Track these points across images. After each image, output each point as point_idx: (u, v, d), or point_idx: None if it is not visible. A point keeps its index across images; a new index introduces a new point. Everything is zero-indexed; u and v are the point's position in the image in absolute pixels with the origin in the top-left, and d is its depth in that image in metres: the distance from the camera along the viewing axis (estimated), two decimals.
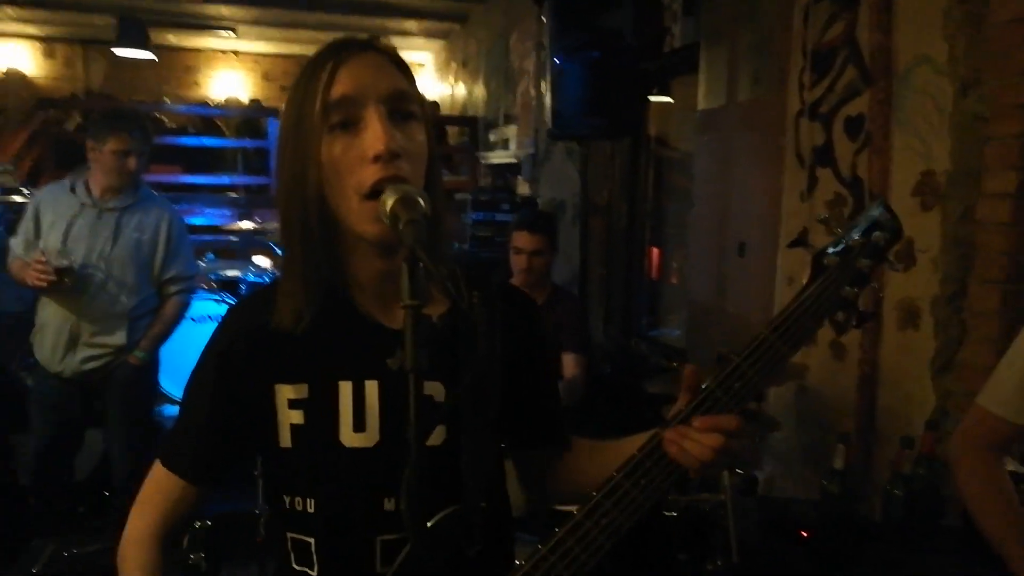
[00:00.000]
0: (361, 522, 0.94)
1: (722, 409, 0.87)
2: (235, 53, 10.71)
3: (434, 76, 10.35)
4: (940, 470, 1.85)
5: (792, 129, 2.76)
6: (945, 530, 1.86)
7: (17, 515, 2.92)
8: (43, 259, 2.64)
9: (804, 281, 0.92)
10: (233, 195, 6.55)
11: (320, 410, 0.95)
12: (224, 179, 6.82)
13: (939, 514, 1.88)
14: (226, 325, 1.02)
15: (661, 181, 4.43)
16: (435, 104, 9.56)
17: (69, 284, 2.68)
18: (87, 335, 2.79)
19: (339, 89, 0.90)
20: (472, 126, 7.45)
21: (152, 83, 10.21)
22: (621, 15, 3.31)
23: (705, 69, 3.40)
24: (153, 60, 7.61)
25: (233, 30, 9.04)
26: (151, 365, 2.98)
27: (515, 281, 2.83)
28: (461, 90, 8.54)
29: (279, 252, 4.34)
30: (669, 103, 4.31)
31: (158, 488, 1.04)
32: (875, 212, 0.93)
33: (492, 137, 6.86)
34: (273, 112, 7.30)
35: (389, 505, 0.93)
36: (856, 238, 0.92)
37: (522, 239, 2.79)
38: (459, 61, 8.65)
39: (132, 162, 2.74)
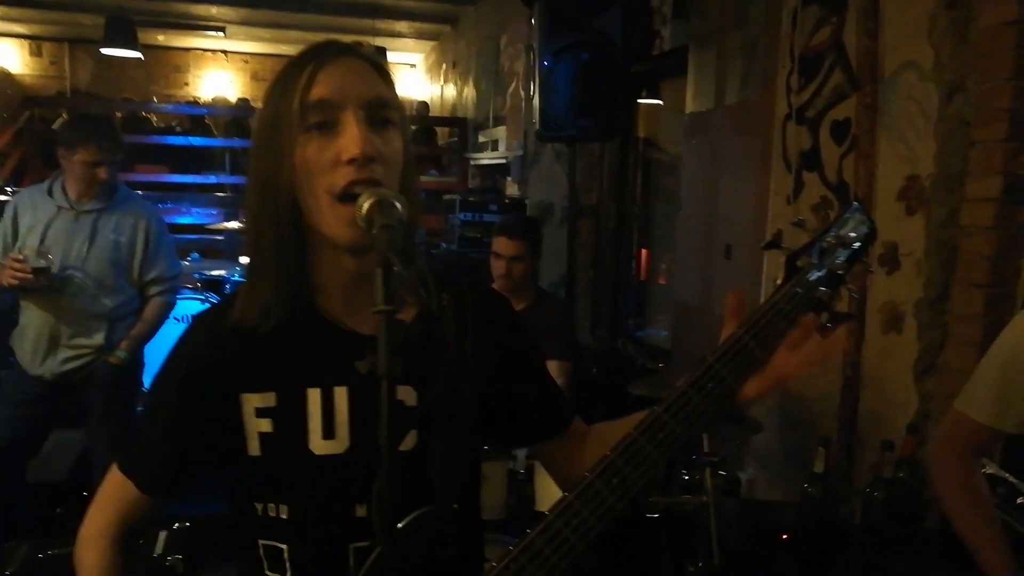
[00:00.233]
0: (333, 529, 0.92)
1: (696, 410, 0.86)
2: (224, 53, 10.68)
3: (424, 77, 10.35)
4: (920, 473, 1.86)
5: (779, 133, 2.77)
6: (925, 533, 1.86)
7: None
8: (20, 257, 2.61)
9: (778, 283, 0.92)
10: (220, 195, 6.51)
11: (289, 418, 0.94)
12: (211, 178, 6.78)
13: (919, 517, 1.88)
14: (190, 334, 1.00)
15: (650, 183, 4.43)
16: (424, 105, 9.56)
17: (45, 283, 2.65)
18: (66, 337, 2.76)
19: (318, 91, 0.89)
20: (461, 127, 7.45)
21: (140, 82, 10.16)
22: (610, 18, 3.31)
23: (693, 72, 3.41)
24: (141, 59, 7.56)
25: (222, 30, 9.01)
26: (133, 365, 2.94)
27: (495, 287, 2.80)
28: (451, 91, 8.54)
29: None
30: (658, 105, 4.32)
31: (115, 491, 1.02)
32: (850, 214, 0.93)
33: (481, 138, 6.86)
34: None
35: (361, 511, 0.92)
36: (830, 239, 0.92)
37: (501, 244, 2.73)
38: (449, 62, 8.65)
39: (102, 172, 2.70)
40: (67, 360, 2.77)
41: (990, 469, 1.59)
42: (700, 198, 3.41)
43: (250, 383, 0.94)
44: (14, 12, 8.55)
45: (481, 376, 0.98)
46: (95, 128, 2.71)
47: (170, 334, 3.06)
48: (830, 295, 0.90)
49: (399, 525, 0.83)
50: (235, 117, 8.33)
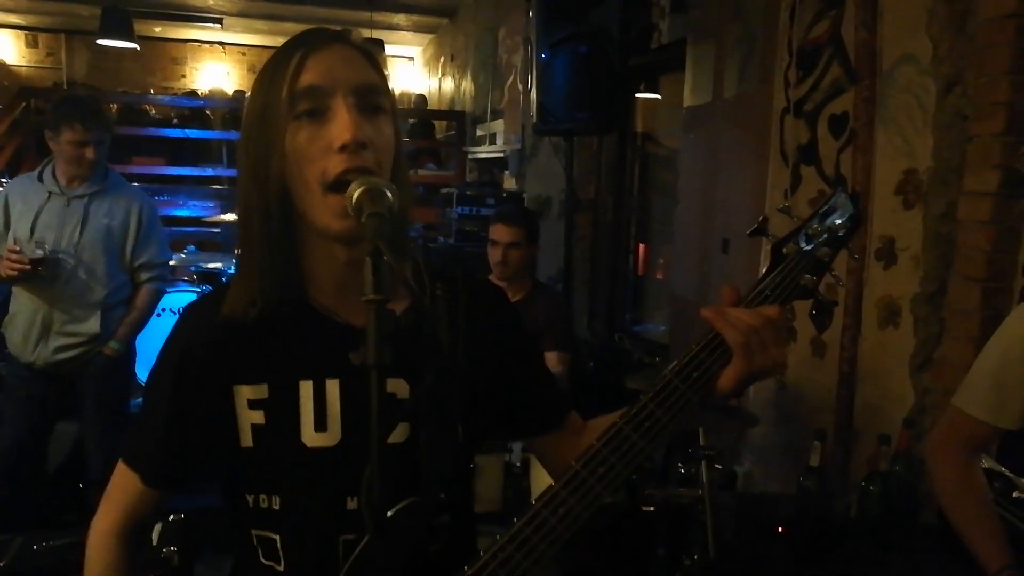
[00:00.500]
0: (324, 521, 0.92)
1: (681, 398, 0.86)
2: (221, 45, 10.64)
3: (422, 70, 10.32)
4: (917, 468, 1.86)
5: (777, 126, 2.76)
6: (921, 527, 1.86)
7: None
8: (16, 249, 2.60)
9: (763, 270, 0.92)
10: (217, 187, 6.49)
11: (281, 410, 0.94)
12: (208, 171, 6.76)
13: (915, 511, 1.88)
14: (183, 325, 1.00)
15: (647, 177, 4.43)
16: (422, 98, 9.54)
17: (43, 273, 2.65)
18: (59, 324, 2.76)
19: (308, 78, 0.88)
20: (459, 120, 7.43)
21: (137, 74, 10.13)
22: (608, 11, 3.30)
23: (691, 66, 3.40)
24: (137, 51, 7.54)
25: (219, 22, 8.97)
26: (127, 356, 2.94)
27: (492, 275, 2.81)
28: (449, 84, 8.52)
29: None
30: (656, 99, 4.31)
31: (122, 486, 1.03)
32: (835, 200, 0.93)
33: (479, 132, 6.84)
34: None
35: (352, 504, 0.92)
36: (815, 226, 0.92)
37: (498, 231, 2.76)
38: (447, 55, 8.63)
39: (90, 151, 2.68)
40: (60, 349, 2.76)
41: (986, 463, 1.59)
42: (698, 192, 3.40)
43: (242, 375, 0.94)
44: (10, 2, 8.51)
45: (474, 368, 0.98)
46: (79, 108, 2.69)
47: (165, 326, 3.07)
48: (815, 282, 0.91)
49: (388, 514, 0.83)
50: (232, 109, 8.30)
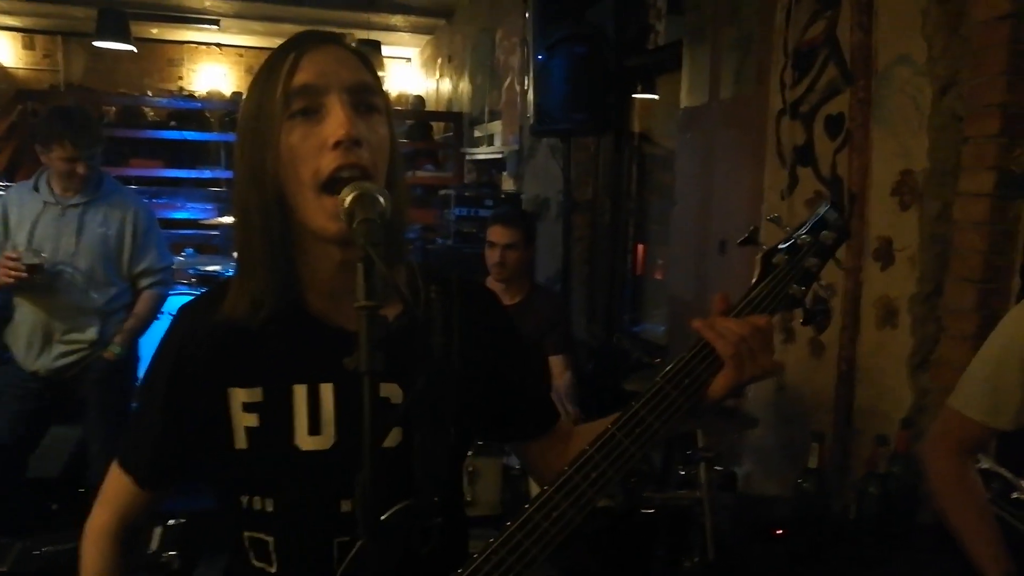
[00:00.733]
0: (318, 524, 0.93)
1: (672, 404, 0.88)
2: (219, 46, 10.62)
3: (420, 71, 10.31)
4: (915, 468, 1.86)
5: (773, 128, 2.77)
6: (919, 528, 1.86)
7: None
8: (13, 255, 2.61)
9: (753, 281, 0.93)
10: (215, 189, 6.49)
11: (275, 414, 0.94)
12: (206, 173, 6.75)
13: (913, 512, 1.89)
14: (177, 326, 1.01)
15: (645, 178, 4.43)
16: (420, 99, 9.53)
17: (39, 282, 2.65)
18: (59, 333, 2.76)
19: (302, 77, 0.88)
20: (457, 122, 7.43)
21: (134, 76, 10.11)
22: (604, 12, 3.31)
23: (688, 66, 3.40)
24: (134, 52, 7.53)
25: (216, 23, 8.96)
26: (128, 360, 2.94)
27: (490, 276, 2.82)
28: (447, 85, 8.51)
29: None
30: (654, 100, 4.31)
31: (116, 487, 1.04)
32: (823, 211, 0.95)
33: (477, 133, 6.84)
34: None
35: (346, 507, 0.93)
36: (804, 237, 0.93)
37: (495, 233, 2.77)
38: (445, 56, 8.62)
39: (81, 167, 2.68)
40: (61, 356, 2.77)
41: (985, 464, 1.60)
42: (694, 193, 3.40)
43: (237, 377, 0.95)
44: (6, 4, 8.49)
45: (468, 370, 0.98)
46: (68, 124, 2.67)
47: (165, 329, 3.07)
48: (803, 292, 0.93)
49: (382, 517, 0.84)
50: (230, 111, 8.29)
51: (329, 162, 0.86)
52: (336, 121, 0.86)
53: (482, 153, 6.53)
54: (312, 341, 0.95)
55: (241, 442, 0.95)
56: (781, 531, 1.92)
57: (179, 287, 4.36)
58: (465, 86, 7.47)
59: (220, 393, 0.95)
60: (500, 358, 1.05)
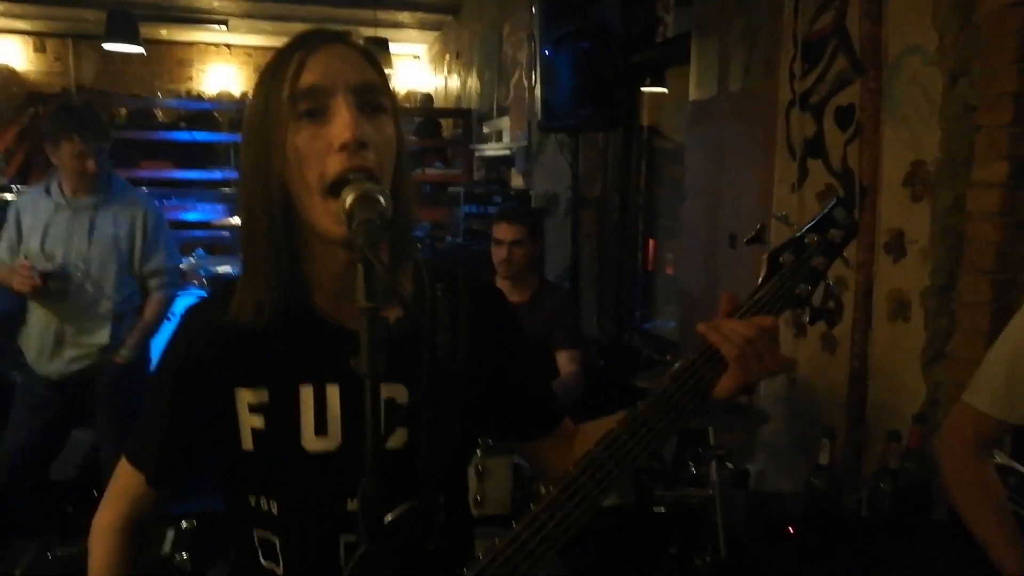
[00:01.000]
0: (324, 523, 0.93)
1: (677, 406, 0.89)
2: (227, 47, 10.66)
3: (428, 68, 10.30)
4: (928, 464, 1.84)
5: (783, 120, 2.74)
6: (932, 524, 1.84)
7: None
8: (27, 264, 2.64)
9: (759, 280, 0.92)
10: (225, 190, 6.52)
11: (281, 415, 0.94)
12: (216, 174, 6.78)
13: (927, 508, 1.87)
14: (185, 326, 1.01)
15: (655, 172, 4.40)
16: (428, 97, 9.53)
17: (53, 288, 2.68)
18: (71, 335, 2.78)
19: (308, 78, 0.87)
20: (466, 118, 7.42)
21: (144, 77, 10.16)
22: (610, 6, 3.29)
23: (696, 59, 3.38)
24: (144, 54, 7.56)
25: (225, 23, 8.99)
26: (139, 363, 2.95)
27: (497, 273, 2.81)
28: (455, 82, 8.50)
29: None
30: (663, 94, 4.29)
31: (124, 483, 1.04)
32: (831, 208, 0.94)
33: (486, 129, 6.83)
34: None
35: (352, 506, 0.92)
36: (812, 235, 0.92)
37: (501, 230, 2.75)
38: (452, 53, 8.61)
39: (90, 164, 2.69)
40: (73, 359, 2.79)
41: (1000, 459, 1.58)
42: (704, 187, 3.38)
43: (243, 378, 0.95)
44: (17, 8, 8.55)
45: (473, 367, 0.98)
46: (76, 119, 2.69)
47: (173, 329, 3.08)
48: (810, 291, 0.92)
49: (387, 518, 0.84)
50: (239, 111, 8.31)
51: (335, 165, 0.86)
52: (342, 123, 0.86)
53: (491, 150, 6.52)
54: (318, 342, 0.95)
55: (247, 443, 0.95)
56: (793, 528, 1.90)
57: (190, 288, 4.38)
58: (473, 82, 7.46)
59: (227, 394, 0.95)
60: (505, 357, 1.05)
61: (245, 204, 0.93)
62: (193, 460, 1.02)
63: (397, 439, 0.93)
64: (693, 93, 3.41)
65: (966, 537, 1.39)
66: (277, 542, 0.95)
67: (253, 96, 0.93)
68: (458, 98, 8.28)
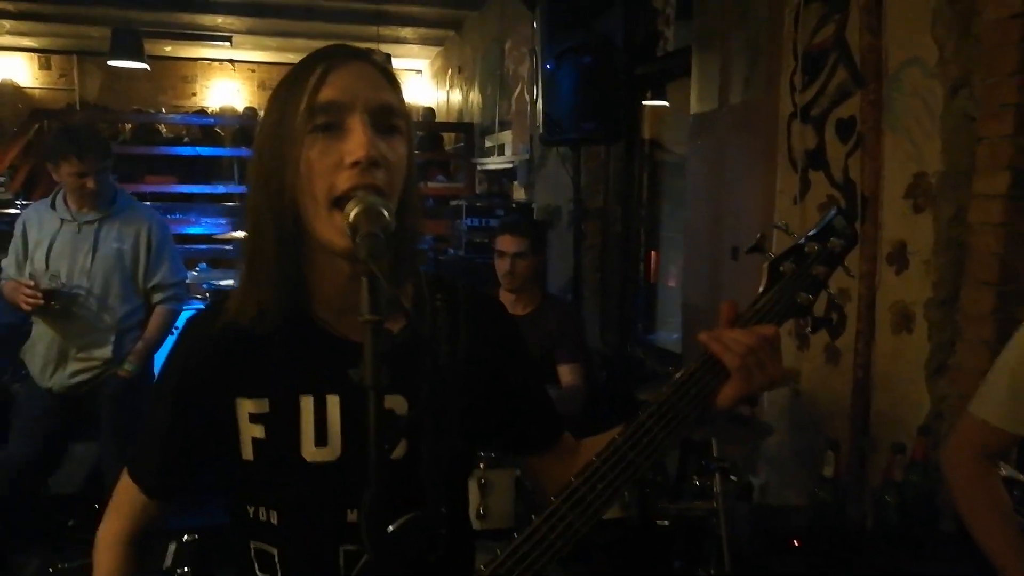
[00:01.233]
0: (324, 533, 0.93)
1: (676, 415, 0.89)
2: (231, 63, 10.73)
3: (430, 83, 10.36)
4: (933, 476, 1.83)
5: (784, 132, 2.75)
6: (939, 536, 1.83)
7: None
8: (31, 283, 2.65)
9: (760, 289, 0.92)
10: (228, 204, 6.54)
11: (281, 425, 0.94)
12: (219, 188, 6.81)
13: (933, 521, 1.85)
14: (184, 338, 1.01)
15: (657, 184, 4.41)
16: (431, 111, 9.57)
17: (57, 307, 2.69)
18: (75, 350, 2.79)
19: (327, 93, 0.88)
20: (468, 132, 7.44)
21: (148, 93, 10.23)
22: (612, 20, 3.30)
23: (697, 72, 3.39)
24: (148, 71, 7.62)
25: (229, 40, 9.05)
26: (143, 377, 2.95)
27: (501, 286, 2.81)
28: (457, 96, 8.54)
29: None
30: (664, 107, 4.30)
31: (126, 495, 1.05)
32: (831, 218, 0.94)
33: (488, 143, 6.85)
34: None
35: (352, 517, 0.92)
36: (812, 244, 0.93)
37: (504, 242, 2.76)
38: (455, 67, 8.66)
39: (90, 182, 2.70)
40: (76, 373, 2.79)
41: (1005, 471, 1.57)
42: (706, 199, 3.38)
43: (244, 388, 0.95)
44: (23, 26, 8.62)
45: (473, 379, 0.98)
46: (76, 140, 2.70)
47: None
48: (811, 300, 0.92)
49: (388, 529, 0.84)
50: (243, 126, 8.36)
51: (345, 180, 0.86)
52: (356, 141, 0.86)
53: (493, 163, 6.54)
54: (319, 352, 0.95)
55: (248, 453, 0.95)
56: (798, 541, 1.89)
57: (193, 302, 4.38)
58: (475, 96, 7.50)
59: (227, 404, 0.95)
60: (506, 369, 1.05)
61: (252, 210, 0.93)
62: (194, 471, 1.02)
63: (397, 450, 0.93)
64: (694, 106, 3.43)
65: (973, 549, 1.38)
66: (276, 553, 0.95)
67: (270, 106, 0.93)
68: (460, 112, 8.32)
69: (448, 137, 8.64)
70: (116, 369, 2.83)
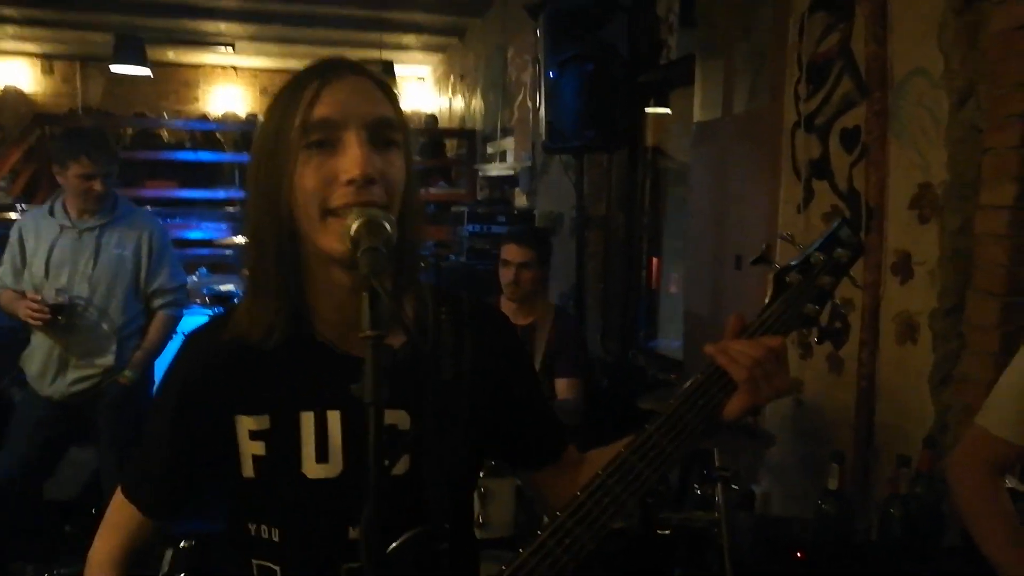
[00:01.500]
0: (326, 551, 0.92)
1: (686, 427, 0.88)
2: (234, 68, 10.75)
3: (433, 89, 10.38)
4: (939, 488, 1.81)
5: (788, 141, 2.74)
6: (944, 550, 1.81)
7: None
8: (37, 297, 2.63)
9: (767, 300, 0.92)
10: (229, 209, 6.54)
11: (282, 441, 0.93)
12: (220, 193, 6.81)
13: (938, 534, 1.84)
14: (185, 353, 1.00)
15: (659, 192, 4.41)
16: (433, 117, 9.58)
17: (63, 321, 2.67)
18: (75, 358, 2.77)
19: (322, 110, 0.87)
20: (470, 139, 7.46)
21: (151, 99, 10.24)
22: (615, 28, 3.30)
23: (701, 81, 3.39)
24: (150, 76, 7.64)
25: (231, 46, 9.07)
26: (142, 384, 2.94)
27: (503, 294, 2.80)
28: (459, 103, 8.56)
29: None
30: (667, 115, 4.30)
31: (119, 514, 1.03)
32: (837, 228, 0.94)
33: (490, 149, 6.86)
34: None
35: (354, 534, 0.91)
36: (818, 255, 0.92)
37: (510, 251, 2.75)
38: (457, 74, 8.68)
39: (98, 184, 2.69)
40: (76, 381, 2.78)
41: (1011, 484, 1.56)
42: (709, 208, 3.38)
43: (244, 405, 0.94)
44: (26, 31, 8.64)
45: (476, 392, 0.97)
46: (85, 141, 2.70)
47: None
48: (818, 311, 0.92)
49: (391, 547, 0.83)
50: (244, 132, 8.37)
51: (339, 197, 0.86)
52: (351, 159, 0.86)
53: (495, 170, 6.54)
54: (319, 368, 0.94)
55: (248, 470, 0.94)
56: (801, 553, 1.87)
57: (193, 307, 4.38)
58: (478, 103, 7.51)
59: (227, 421, 0.94)
60: (509, 382, 1.04)
61: (251, 226, 0.92)
62: (192, 489, 1.01)
63: (400, 466, 0.92)
64: (698, 114, 3.42)
65: (979, 562, 1.37)
66: (278, 570, 0.94)
67: (265, 120, 0.92)
68: (462, 119, 8.33)
69: (450, 143, 8.65)
70: (117, 377, 2.81)
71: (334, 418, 0.93)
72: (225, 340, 0.93)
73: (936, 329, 2.09)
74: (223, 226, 5.91)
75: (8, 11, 7.54)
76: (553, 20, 3.40)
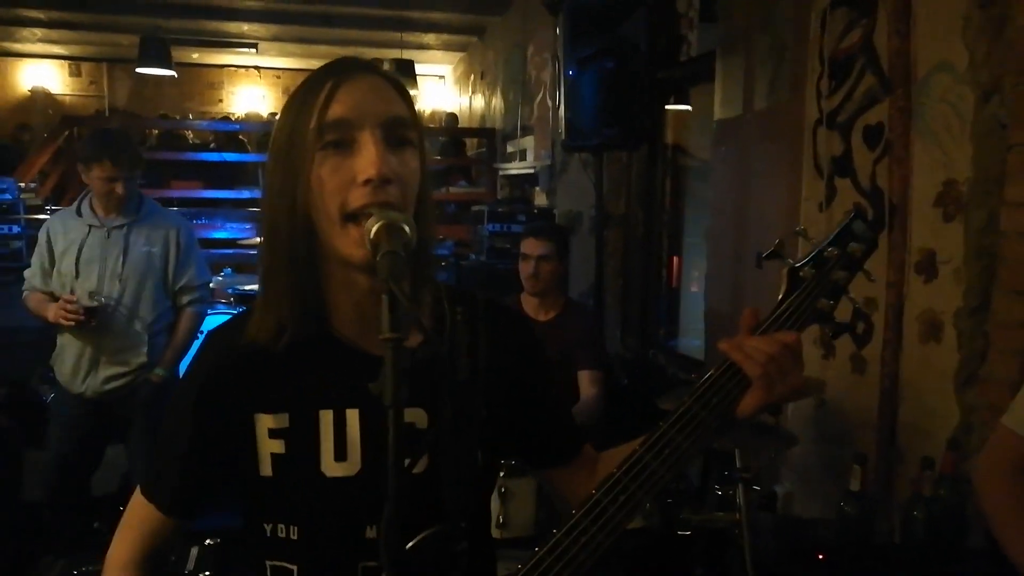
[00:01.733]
0: (343, 550, 0.92)
1: (701, 424, 0.88)
2: (257, 69, 10.85)
3: (453, 88, 10.40)
4: (963, 490, 1.79)
5: (810, 138, 2.71)
6: (968, 552, 1.79)
7: (26, 531, 2.91)
8: (73, 299, 2.66)
9: (780, 296, 0.91)
10: (253, 209, 6.59)
11: (301, 440, 0.94)
12: (244, 193, 6.88)
13: (962, 537, 1.81)
14: (204, 353, 1.01)
15: (680, 189, 4.38)
16: (453, 116, 9.60)
17: (95, 324, 2.70)
18: (108, 355, 2.80)
19: (337, 110, 0.88)
20: (490, 137, 7.46)
21: (175, 99, 10.37)
22: (634, 24, 3.28)
23: (721, 77, 3.36)
24: (175, 77, 7.73)
25: (254, 47, 9.15)
26: (173, 381, 2.97)
27: (524, 290, 2.81)
28: (479, 102, 8.56)
29: None
30: (687, 111, 4.27)
31: (138, 515, 1.03)
32: (850, 222, 0.93)
33: (510, 148, 6.86)
34: None
35: (371, 533, 0.92)
36: (831, 250, 0.91)
37: (529, 245, 2.78)
38: (477, 73, 8.68)
39: (120, 187, 2.72)
40: (109, 379, 2.81)
41: None
42: (730, 205, 3.35)
43: (263, 403, 0.94)
44: (54, 34, 8.79)
45: (493, 392, 0.97)
46: (109, 144, 2.73)
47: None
48: (832, 306, 0.91)
49: (408, 545, 0.84)
50: (267, 132, 8.43)
51: (357, 198, 0.86)
52: (367, 159, 0.86)
53: (515, 168, 6.54)
54: (338, 366, 0.94)
55: (267, 469, 0.94)
56: (823, 555, 1.86)
57: (218, 306, 4.42)
58: (498, 102, 7.51)
59: (246, 419, 0.94)
60: (526, 381, 1.04)
61: (268, 226, 0.93)
62: (212, 487, 1.01)
63: (419, 465, 0.92)
64: (718, 111, 3.40)
65: (1004, 565, 1.35)
66: (295, 569, 0.94)
67: (280, 121, 0.93)
68: (482, 117, 8.34)
69: (470, 142, 8.66)
70: (149, 374, 2.85)
71: (352, 416, 0.93)
72: (245, 339, 0.94)
73: (961, 328, 2.06)
74: (247, 226, 5.97)
75: (35, 14, 7.67)
76: (573, 17, 3.38)
